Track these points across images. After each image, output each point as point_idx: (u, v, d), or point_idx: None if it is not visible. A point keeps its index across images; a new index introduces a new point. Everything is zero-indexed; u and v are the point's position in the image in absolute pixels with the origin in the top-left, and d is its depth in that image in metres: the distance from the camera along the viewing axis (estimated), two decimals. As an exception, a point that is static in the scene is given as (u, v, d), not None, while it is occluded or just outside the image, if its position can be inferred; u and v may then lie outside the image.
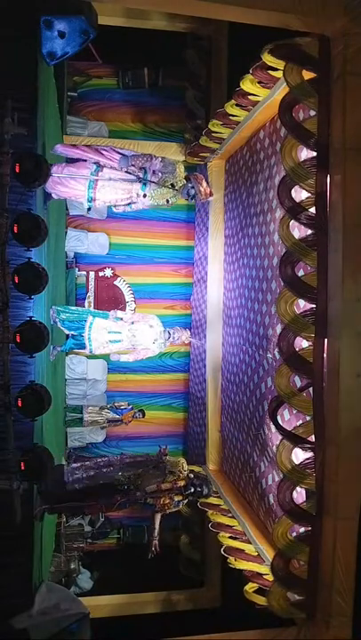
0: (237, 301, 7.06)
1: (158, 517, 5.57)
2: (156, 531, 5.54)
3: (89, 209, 6.48)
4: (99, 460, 6.05)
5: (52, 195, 5.89)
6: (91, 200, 6.00)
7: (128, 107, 9.10)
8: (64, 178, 5.79)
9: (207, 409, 7.99)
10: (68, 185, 5.85)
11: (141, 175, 6.03)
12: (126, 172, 6.02)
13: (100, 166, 5.96)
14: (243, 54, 5.91)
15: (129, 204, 6.23)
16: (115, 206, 6.31)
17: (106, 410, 8.67)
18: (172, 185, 6.16)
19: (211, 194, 6.75)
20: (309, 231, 4.35)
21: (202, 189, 6.38)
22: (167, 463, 5.85)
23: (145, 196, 6.09)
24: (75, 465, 5.87)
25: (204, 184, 6.47)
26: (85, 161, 5.97)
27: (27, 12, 4.74)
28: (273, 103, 5.25)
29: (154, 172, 6.07)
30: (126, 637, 7.00)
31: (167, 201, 6.22)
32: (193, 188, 6.32)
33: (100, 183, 5.93)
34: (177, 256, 9.43)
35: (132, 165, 5.98)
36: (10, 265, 4.54)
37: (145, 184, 6.03)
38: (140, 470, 5.70)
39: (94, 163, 5.96)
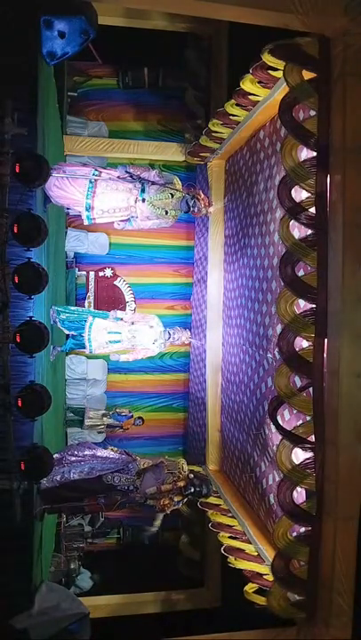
0: (237, 301, 7.06)
1: (160, 516, 5.60)
2: (156, 525, 5.55)
3: (89, 221, 6.31)
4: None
5: (52, 199, 5.91)
6: (89, 208, 6.01)
7: (128, 107, 9.11)
8: (63, 182, 5.81)
9: (207, 409, 7.98)
10: (67, 190, 5.87)
11: (140, 179, 6.09)
12: (125, 172, 6.09)
13: (98, 172, 6.05)
14: (243, 54, 5.90)
15: (129, 219, 6.28)
16: (114, 222, 6.35)
17: (107, 417, 8.68)
18: (170, 194, 6.20)
19: (209, 210, 6.82)
20: (309, 231, 4.35)
21: (202, 207, 6.45)
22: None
23: (144, 200, 6.11)
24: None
25: (205, 201, 6.54)
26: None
27: (27, 11, 4.74)
28: (273, 103, 5.26)
29: (152, 182, 6.16)
30: (126, 637, 6.99)
31: (166, 212, 6.25)
32: (192, 199, 6.36)
33: (98, 189, 5.96)
34: (177, 256, 9.43)
35: (130, 172, 6.08)
36: (10, 265, 4.55)
37: (143, 190, 6.07)
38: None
39: (93, 169, 6.09)
